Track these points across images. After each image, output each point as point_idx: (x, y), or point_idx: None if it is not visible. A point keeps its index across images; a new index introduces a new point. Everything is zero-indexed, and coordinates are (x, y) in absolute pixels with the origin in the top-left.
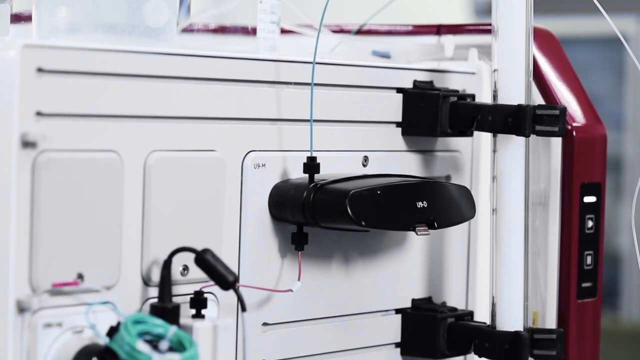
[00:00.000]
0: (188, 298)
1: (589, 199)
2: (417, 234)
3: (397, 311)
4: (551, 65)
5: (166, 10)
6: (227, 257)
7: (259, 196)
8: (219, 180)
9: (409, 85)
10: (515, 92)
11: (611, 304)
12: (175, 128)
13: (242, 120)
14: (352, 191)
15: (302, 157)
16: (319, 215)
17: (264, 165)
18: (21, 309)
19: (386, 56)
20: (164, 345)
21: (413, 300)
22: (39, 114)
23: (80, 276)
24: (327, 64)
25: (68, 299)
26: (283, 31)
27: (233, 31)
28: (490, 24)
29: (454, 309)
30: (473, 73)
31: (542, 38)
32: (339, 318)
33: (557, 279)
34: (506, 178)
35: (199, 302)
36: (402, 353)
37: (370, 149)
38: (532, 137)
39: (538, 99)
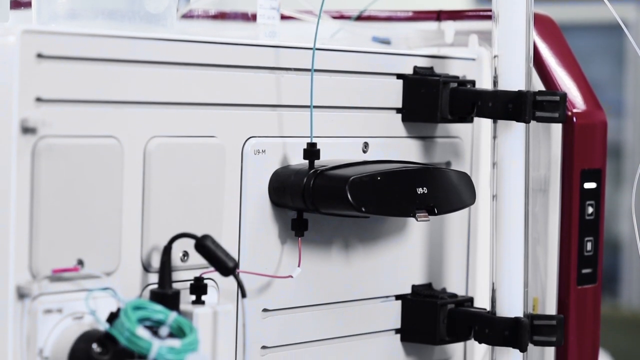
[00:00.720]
0: (188, 284)
1: (589, 185)
2: (417, 220)
3: (397, 297)
4: (552, 51)
5: None
6: (227, 243)
7: (259, 182)
8: (219, 167)
9: (409, 71)
10: (516, 78)
11: (611, 291)
12: (175, 114)
13: (242, 106)
14: (352, 177)
15: (302, 143)
16: (319, 201)
17: (264, 151)
18: (21, 295)
19: (386, 42)
20: (164, 331)
21: (413, 287)
22: (38, 99)
23: (80, 262)
24: (327, 50)
25: (68, 285)
26: (283, 17)
27: (233, 17)
28: (490, 10)
29: (454, 295)
30: (473, 59)
31: (543, 24)
32: (339, 304)
33: (557, 265)
34: (506, 164)
35: (199, 288)
36: (402, 339)
37: (370, 135)
38: (533, 123)
39: (538, 85)
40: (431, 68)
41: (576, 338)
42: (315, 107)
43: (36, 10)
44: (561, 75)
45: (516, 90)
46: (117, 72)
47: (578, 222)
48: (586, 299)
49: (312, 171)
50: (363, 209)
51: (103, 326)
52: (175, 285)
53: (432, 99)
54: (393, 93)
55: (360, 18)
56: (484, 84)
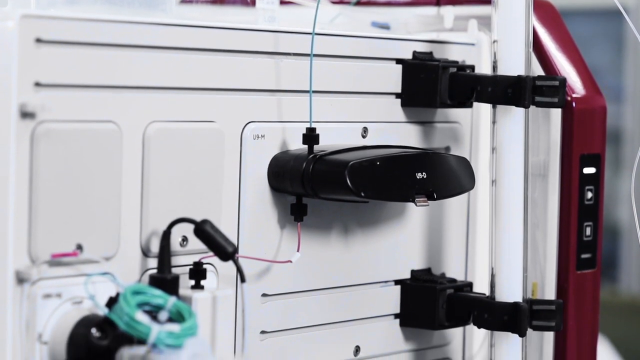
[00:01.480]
0: (187, 269)
1: (589, 170)
2: (416, 205)
3: (397, 282)
4: (551, 36)
5: None
6: (226, 228)
7: (258, 167)
8: (218, 151)
9: (409, 56)
10: (515, 63)
11: (610, 276)
12: (174, 99)
13: (241, 91)
14: (352, 162)
15: (302, 128)
16: (318, 186)
17: (263, 136)
18: (20, 279)
19: (385, 27)
20: (163, 315)
21: (412, 272)
22: (37, 84)
23: (80, 247)
24: (327, 34)
25: (67, 269)
26: (282, 2)
27: (232, 2)
28: None
29: (453, 280)
30: (473, 44)
31: (542, 9)
32: (338, 289)
33: (557, 250)
34: (506, 149)
35: (198, 272)
36: (402, 324)
37: (369, 120)
38: (532, 108)
39: (538, 70)
40: (430, 53)
41: (575, 323)
42: (314, 92)
43: None
44: (561, 60)
45: (515, 75)
46: (116, 57)
47: (577, 207)
48: (585, 284)
49: (311, 156)
50: (362, 194)
51: (102, 311)
52: (175, 270)
53: (432, 84)
54: (392, 78)
55: (359, 3)
56: (484, 69)
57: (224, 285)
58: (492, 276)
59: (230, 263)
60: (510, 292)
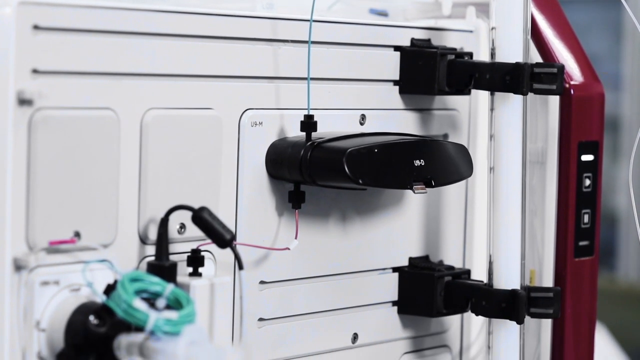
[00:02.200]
0: (185, 256)
1: (587, 157)
2: (414, 192)
3: (395, 269)
4: (549, 23)
5: None
6: (224, 215)
7: (256, 154)
8: (216, 139)
9: (407, 43)
10: (513, 50)
11: (608, 264)
12: (172, 86)
13: (239, 78)
14: (350, 149)
15: (300, 115)
16: (316, 173)
17: (261, 123)
18: (18, 266)
19: (383, 14)
20: (161, 303)
21: (410, 259)
22: (35, 71)
23: (77, 234)
24: (325, 21)
25: (65, 257)
26: None
27: None
28: None
29: (451, 268)
30: (471, 31)
31: None
32: (336, 276)
33: (554, 238)
34: (504, 136)
35: (196, 260)
36: (399, 311)
37: (367, 107)
38: (530, 95)
39: (536, 58)
40: (428, 40)
41: (573, 310)
42: (312, 79)
43: None
44: (559, 47)
45: (513, 62)
46: (113, 43)
47: (575, 195)
48: (583, 271)
49: (309, 143)
50: (360, 181)
51: (100, 298)
52: (172, 257)
53: (430, 71)
54: (390, 65)
55: None
56: (482, 56)
57: (221, 273)
58: (490, 263)
59: (228, 250)
60: (508, 280)
